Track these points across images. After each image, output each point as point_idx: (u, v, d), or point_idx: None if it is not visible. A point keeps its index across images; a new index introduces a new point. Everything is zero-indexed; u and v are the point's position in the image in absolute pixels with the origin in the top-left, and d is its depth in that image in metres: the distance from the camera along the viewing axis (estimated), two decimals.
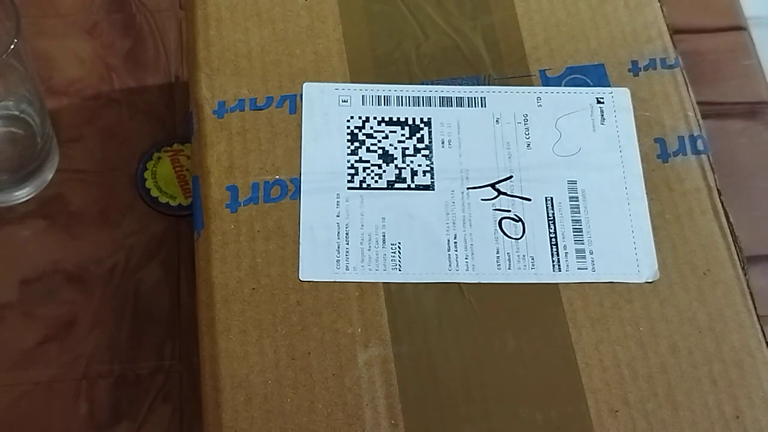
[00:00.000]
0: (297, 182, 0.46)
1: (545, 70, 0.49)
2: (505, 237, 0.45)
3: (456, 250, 0.45)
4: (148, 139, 0.60)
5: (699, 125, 0.48)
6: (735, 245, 0.46)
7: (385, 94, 0.48)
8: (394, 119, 0.48)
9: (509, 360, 0.43)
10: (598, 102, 0.49)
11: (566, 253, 0.45)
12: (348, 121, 0.48)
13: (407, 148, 0.47)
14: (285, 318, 0.43)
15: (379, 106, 0.48)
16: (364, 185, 0.46)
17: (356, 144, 0.47)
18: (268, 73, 0.48)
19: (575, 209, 0.46)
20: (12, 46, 0.48)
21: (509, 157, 0.47)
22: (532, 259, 0.45)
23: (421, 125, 0.48)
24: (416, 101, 0.48)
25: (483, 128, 0.48)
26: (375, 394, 0.42)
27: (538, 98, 0.49)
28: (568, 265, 0.45)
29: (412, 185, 0.46)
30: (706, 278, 0.45)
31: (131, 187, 0.58)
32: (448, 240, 0.45)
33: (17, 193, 0.57)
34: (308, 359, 0.42)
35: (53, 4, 0.64)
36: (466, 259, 0.45)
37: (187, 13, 0.51)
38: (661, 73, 0.50)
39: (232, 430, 0.41)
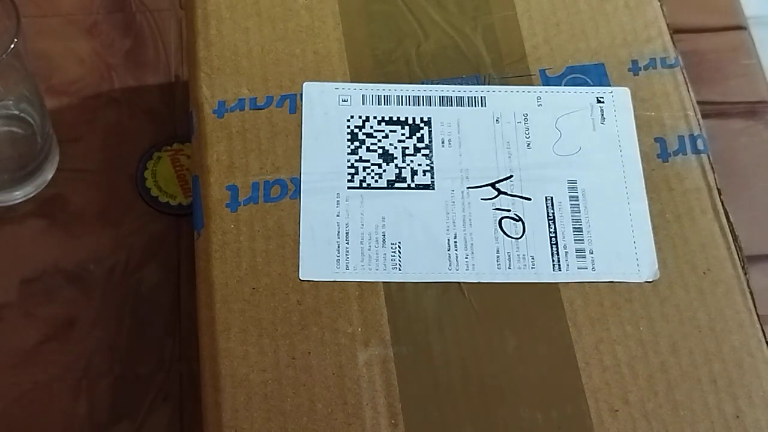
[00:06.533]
0: (297, 182, 0.46)
1: (545, 69, 0.49)
2: (505, 236, 0.45)
3: (456, 250, 0.45)
4: (148, 138, 0.60)
5: (699, 125, 0.48)
6: (735, 245, 0.46)
7: (385, 94, 0.48)
8: (394, 119, 0.48)
9: (509, 359, 0.43)
10: (598, 101, 0.49)
11: (566, 252, 0.45)
12: (348, 120, 0.48)
13: (407, 148, 0.47)
14: (285, 317, 0.43)
15: (379, 106, 0.48)
16: (364, 185, 0.46)
17: (356, 143, 0.47)
18: (268, 73, 0.48)
19: (575, 209, 0.46)
20: (12, 46, 0.48)
21: (509, 157, 0.47)
22: (532, 258, 0.45)
23: (421, 125, 0.48)
24: (416, 101, 0.48)
25: (483, 128, 0.48)
26: (375, 394, 0.42)
27: (538, 98, 0.49)
28: (568, 265, 0.45)
29: (412, 185, 0.46)
30: (706, 278, 0.45)
31: (131, 186, 0.58)
32: (448, 239, 0.45)
33: (17, 193, 0.57)
34: (308, 359, 0.42)
35: (53, 3, 0.64)
36: (466, 258, 0.45)
37: (187, 13, 0.51)
38: (661, 72, 0.49)
39: (232, 430, 0.41)
